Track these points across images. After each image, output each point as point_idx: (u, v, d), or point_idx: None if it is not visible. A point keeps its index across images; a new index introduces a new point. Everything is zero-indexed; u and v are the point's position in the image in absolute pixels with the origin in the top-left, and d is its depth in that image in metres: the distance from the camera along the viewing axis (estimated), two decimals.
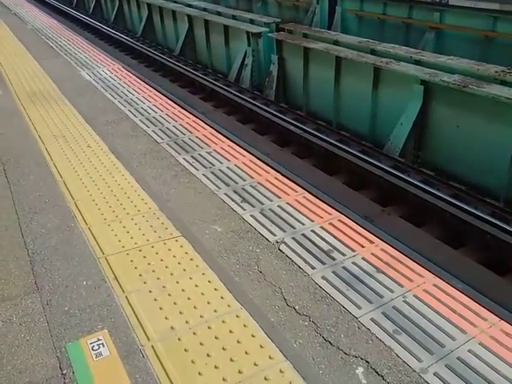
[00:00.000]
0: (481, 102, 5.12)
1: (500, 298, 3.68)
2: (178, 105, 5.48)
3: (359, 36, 7.81)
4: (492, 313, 2.34)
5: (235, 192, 3.48)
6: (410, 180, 5.26)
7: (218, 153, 4.12)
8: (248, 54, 8.97)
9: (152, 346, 2.18)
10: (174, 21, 11.67)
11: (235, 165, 3.90)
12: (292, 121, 7.11)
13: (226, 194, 3.46)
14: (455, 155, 5.62)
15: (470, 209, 4.68)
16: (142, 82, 6.26)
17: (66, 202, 3.41)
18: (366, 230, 3.02)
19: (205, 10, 10.93)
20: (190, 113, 5.26)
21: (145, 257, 2.79)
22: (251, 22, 9.24)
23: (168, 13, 11.89)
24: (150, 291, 2.52)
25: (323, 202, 3.37)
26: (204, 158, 4.03)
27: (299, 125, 6.95)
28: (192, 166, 3.91)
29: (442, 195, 4.93)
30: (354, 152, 5.98)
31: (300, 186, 3.59)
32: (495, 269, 4.19)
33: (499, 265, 4.31)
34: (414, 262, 2.71)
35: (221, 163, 3.93)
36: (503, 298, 3.70)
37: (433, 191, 5.02)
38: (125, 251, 2.85)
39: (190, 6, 11.53)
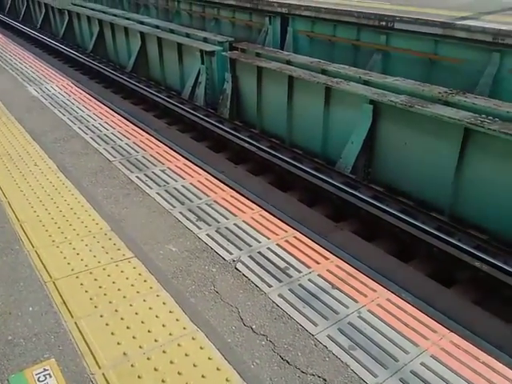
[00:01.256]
0: (426, 121, 5.38)
1: (447, 309, 3.84)
2: (131, 122, 5.38)
3: (311, 56, 8.03)
4: (441, 325, 2.42)
5: (190, 210, 3.44)
6: (361, 196, 5.41)
7: (173, 171, 4.07)
8: (202, 72, 9.00)
9: (103, 374, 2.08)
10: (127, 37, 11.55)
11: (190, 183, 3.86)
12: (246, 138, 7.17)
13: (180, 213, 3.40)
14: (403, 172, 5.85)
15: (417, 223, 4.87)
16: (92, 99, 6.11)
17: (11, 223, 3.23)
18: (320, 246, 3.06)
19: (157, 27, 10.90)
20: (144, 130, 5.17)
21: (96, 279, 2.69)
22: (205, 40, 9.31)
23: (120, 29, 11.76)
24: (101, 316, 2.42)
25: (279, 219, 3.39)
26: (158, 176, 3.96)
27: (253, 142, 7.01)
28: (145, 184, 3.83)
29: (391, 210, 5.10)
30: (306, 169, 6.10)
31: (256, 204, 3.60)
32: (442, 281, 4.36)
33: (446, 277, 4.50)
34: (368, 276, 2.77)
35: (175, 181, 3.88)
36: (450, 309, 3.86)
37: (383, 207, 5.19)
38: (74, 274, 2.73)
39: (142, 22, 11.46)
